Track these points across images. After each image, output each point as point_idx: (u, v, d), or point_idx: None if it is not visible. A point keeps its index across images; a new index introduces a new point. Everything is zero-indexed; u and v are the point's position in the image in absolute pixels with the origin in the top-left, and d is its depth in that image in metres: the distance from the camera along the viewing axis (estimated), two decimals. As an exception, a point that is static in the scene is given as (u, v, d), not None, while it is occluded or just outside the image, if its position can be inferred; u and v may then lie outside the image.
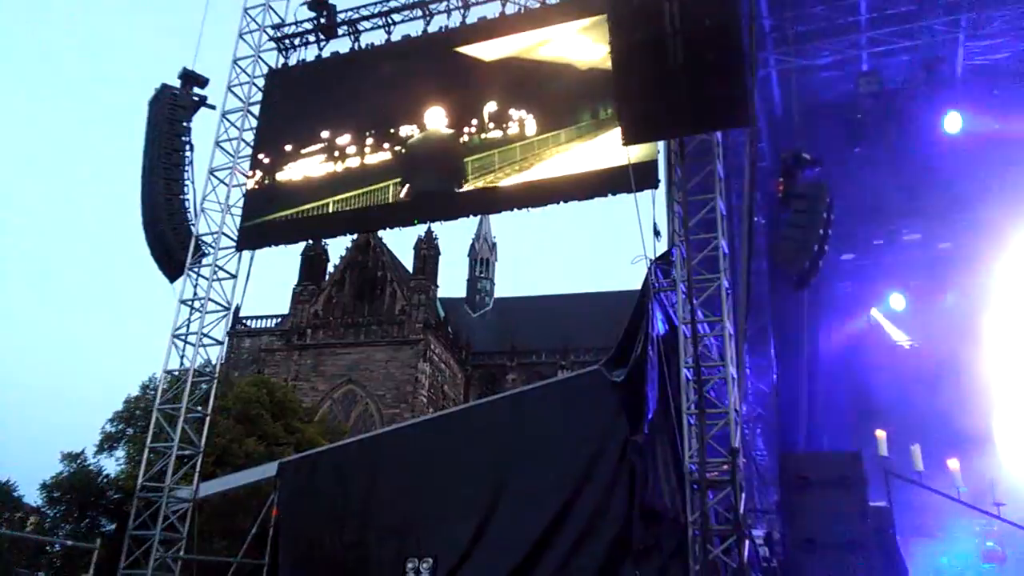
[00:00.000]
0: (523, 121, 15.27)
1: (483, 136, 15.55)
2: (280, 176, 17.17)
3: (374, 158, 16.43)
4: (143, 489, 15.24)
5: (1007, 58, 15.19)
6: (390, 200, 16.07)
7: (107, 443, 25.46)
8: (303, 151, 17.04)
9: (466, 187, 15.43)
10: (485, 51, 16.35)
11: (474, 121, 15.71)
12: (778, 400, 17.80)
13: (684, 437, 10.84)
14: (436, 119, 16.22)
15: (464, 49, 16.49)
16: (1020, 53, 14.98)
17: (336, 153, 16.73)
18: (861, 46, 15.35)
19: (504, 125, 15.40)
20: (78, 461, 24.40)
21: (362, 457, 13.73)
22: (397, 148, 16.26)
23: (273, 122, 17.86)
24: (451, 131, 15.93)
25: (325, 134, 16.91)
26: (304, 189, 16.83)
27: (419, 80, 16.76)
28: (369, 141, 16.52)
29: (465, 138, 15.77)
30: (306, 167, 16.97)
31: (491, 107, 15.62)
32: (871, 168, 16.72)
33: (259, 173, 17.35)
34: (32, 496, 25.24)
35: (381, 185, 16.14)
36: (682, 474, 10.73)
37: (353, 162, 16.57)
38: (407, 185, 15.97)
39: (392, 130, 16.39)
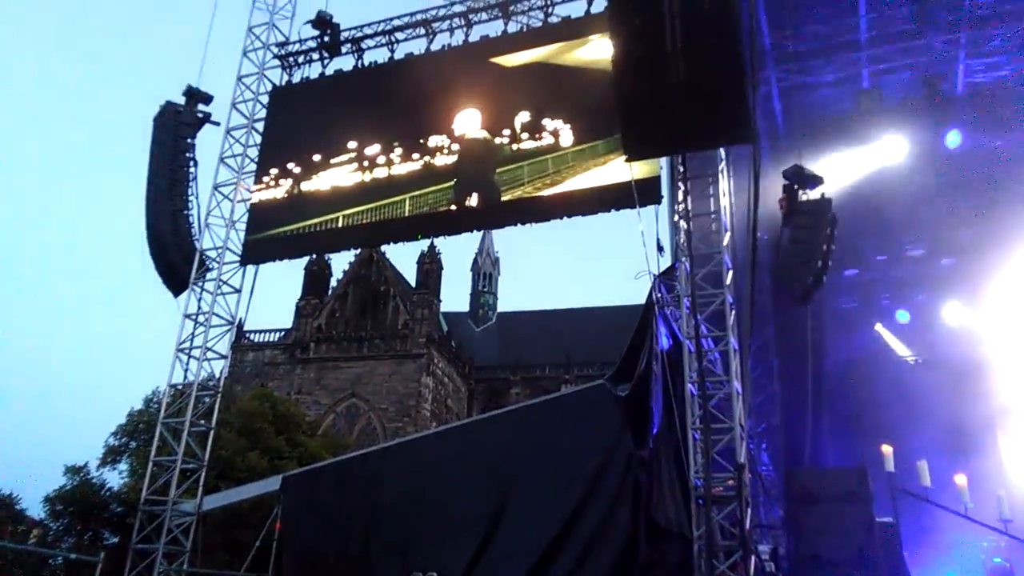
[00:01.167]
0: (558, 131, 14.66)
1: (515, 147, 15.03)
2: (306, 186, 17.00)
3: (402, 168, 16.20)
4: (146, 502, 15.26)
5: (1007, 75, 15.25)
6: (406, 213, 15.84)
7: (110, 456, 25.46)
8: (332, 161, 16.89)
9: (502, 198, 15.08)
10: (508, 58, 16.09)
11: (506, 131, 15.28)
12: (783, 415, 17.77)
13: (689, 452, 10.83)
14: (470, 122, 15.80)
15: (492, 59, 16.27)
16: (1020, 71, 15.04)
17: (365, 163, 16.55)
18: (861, 63, 15.43)
19: (538, 136, 14.86)
20: (81, 474, 24.38)
21: (365, 471, 13.76)
22: (426, 159, 15.99)
23: (295, 133, 17.77)
24: (487, 136, 15.53)
25: (353, 144, 16.78)
26: (328, 199, 16.64)
27: (448, 91, 16.42)
28: (398, 151, 16.30)
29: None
30: (335, 177, 16.80)
31: (524, 117, 15.13)
32: (873, 183, 16.76)
33: (288, 182, 17.20)
34: (35, 509, 25.20)
35: (398, 198, 15.90)
36: (687, 489, 10.72)
37: (381, 172, 16.35)
38: (463, 193, 15.48)
39: (421, 140, 16.14)
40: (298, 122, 17.93)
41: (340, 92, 17.99)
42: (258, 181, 17.57)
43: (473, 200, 15.51)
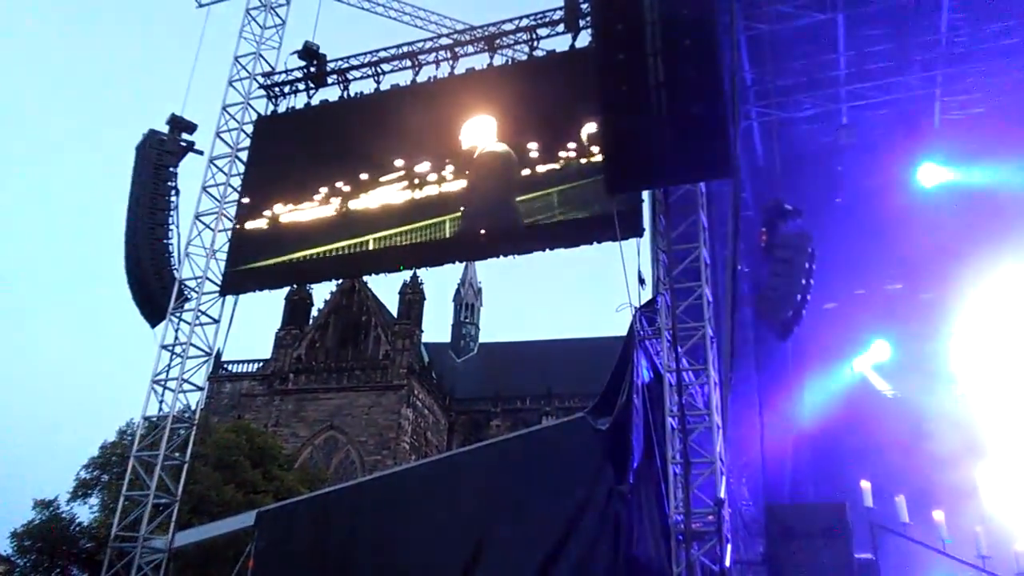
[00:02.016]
0: None
1: (585, 161, 13.97)
2: (354, 204, 16.32)
3: (453, 186, 15.46)
4: (117, 539, 14.88)
5: (983, 112, 15.57)
6: (447, 235, 15.12)
7: (81, 490, 24.99)
8: (382, 179, 16.21)
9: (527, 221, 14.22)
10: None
11: (572, 144, 14.26)
12: (763, 450, 17.72)
13: (669, 487, 10.74)
14: (483, 133, 14.98)
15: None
16: (996, 108, 15.35)
17: (416, 180, 15.83)
18: (840, 100, 15.68)
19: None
20: (50, 509, 23.91)
21: (342, 507, 13.53)
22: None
23: (325, 154, 17.32)
24: (506, 149, 14.72)
25: (400, 162, 16.12)
26: (375, 220, 15.94)
27: (495, 103, 15.53)
28: (450, 168, 15.58)
29: (558, 164, 14.29)
30: (383, 195, 16.10)
31: (591, 128, 13.79)
32: (852, 218, 16.95)
33: (336, 200, 16.50)
34: (2, 544, 24.65)
35: (439, 219, 15.21)
36: (667, 525, 10.61)
37: (432, 190, 15.60)
38: (474, 223, 14.72)
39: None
40: (318, 144, 17.45)
41: (367, 110, 17.47)
42: (255, 210, 17.17)
43: (484, 230, 14.83)
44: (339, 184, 16.56)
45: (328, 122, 17.94)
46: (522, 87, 15.87)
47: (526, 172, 14.60)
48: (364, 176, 16.40)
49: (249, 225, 17.18)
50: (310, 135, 17.83)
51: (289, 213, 16.90)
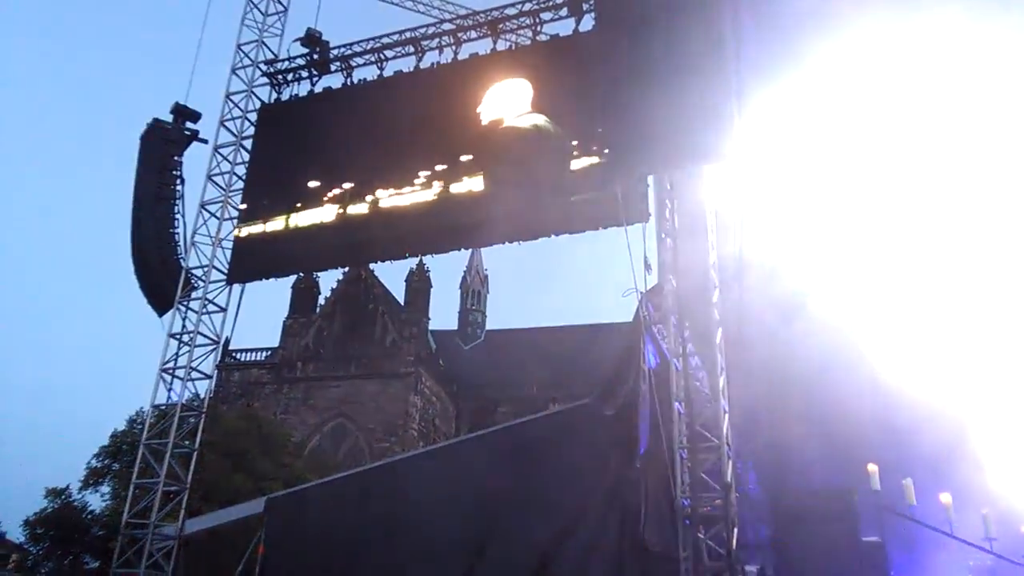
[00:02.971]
0: None
1: (592, 152, 13.12)
2: (455, 188, 14.94)
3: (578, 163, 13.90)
4: (128, 526, 15.02)
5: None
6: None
7: (92, 478, 25.20)
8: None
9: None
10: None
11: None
12: (770, 433, 17.71)
13: (676, 471, 10.77)
14: (509, 100, 14.44)
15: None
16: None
17: None
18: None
19: None
20: (62, 497, 24.13)
21: (350, 493, 13.61)
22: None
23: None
24: (542, 123, 13.91)
25: None
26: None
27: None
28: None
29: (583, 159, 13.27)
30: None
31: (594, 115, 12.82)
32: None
33: (438, 184, 15.28)
34: (15, 533, 24.95)
35: None
36: (674, 509, 10.64)
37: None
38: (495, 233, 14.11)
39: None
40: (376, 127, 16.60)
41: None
42: (321, 195, 16.40)
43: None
44: (438, 167, 15.35)
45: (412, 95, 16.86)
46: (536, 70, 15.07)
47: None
48: (464, 158, 15.11)
49: (415, 197, 15.59)
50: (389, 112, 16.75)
51: (455, 183, 15.12)
